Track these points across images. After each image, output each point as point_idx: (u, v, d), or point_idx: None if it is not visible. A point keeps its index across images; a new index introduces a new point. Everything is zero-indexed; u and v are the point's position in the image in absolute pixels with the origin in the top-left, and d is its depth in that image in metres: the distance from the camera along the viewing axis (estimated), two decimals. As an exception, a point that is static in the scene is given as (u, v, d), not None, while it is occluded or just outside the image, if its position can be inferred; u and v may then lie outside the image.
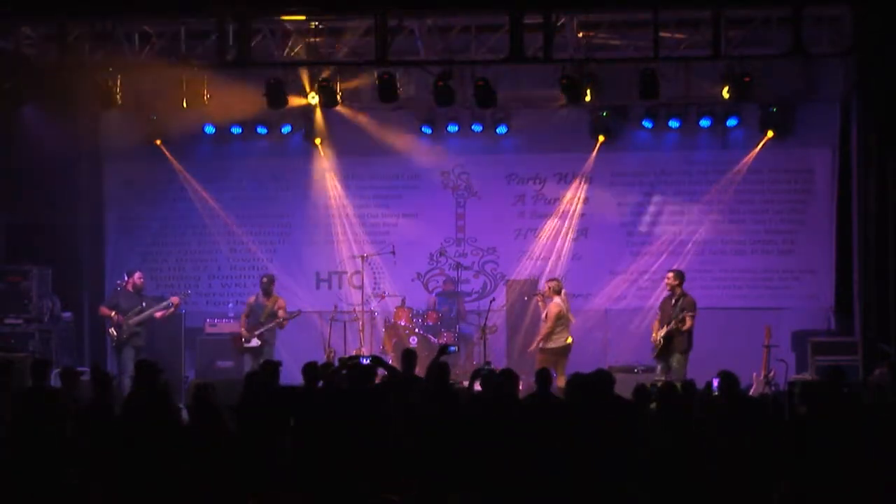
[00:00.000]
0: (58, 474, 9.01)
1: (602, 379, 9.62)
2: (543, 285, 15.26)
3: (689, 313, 13.79)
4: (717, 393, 10.14)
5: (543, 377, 9.89)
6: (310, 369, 10.25)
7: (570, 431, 8.90)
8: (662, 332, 13.83)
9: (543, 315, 14.63)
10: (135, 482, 8.88)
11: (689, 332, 13.79)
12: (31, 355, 14.17)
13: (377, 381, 10.43)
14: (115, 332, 14.91)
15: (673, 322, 13.76)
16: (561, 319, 14.46)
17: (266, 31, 14.60)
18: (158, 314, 15.14)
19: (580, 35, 14.47)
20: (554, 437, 8.90)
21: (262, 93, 14.80)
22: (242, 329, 15.23)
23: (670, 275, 14.22)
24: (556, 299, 14.55)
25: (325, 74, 15.15)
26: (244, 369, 14.27)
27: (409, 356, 10.90)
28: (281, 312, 15.21)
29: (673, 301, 13.99)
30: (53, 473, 8.99)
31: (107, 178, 17.17)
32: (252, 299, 15.43)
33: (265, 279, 15.47)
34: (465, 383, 11.99)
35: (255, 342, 15.07)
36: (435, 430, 9.23)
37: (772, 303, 16.19)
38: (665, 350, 13.83)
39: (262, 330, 15.10)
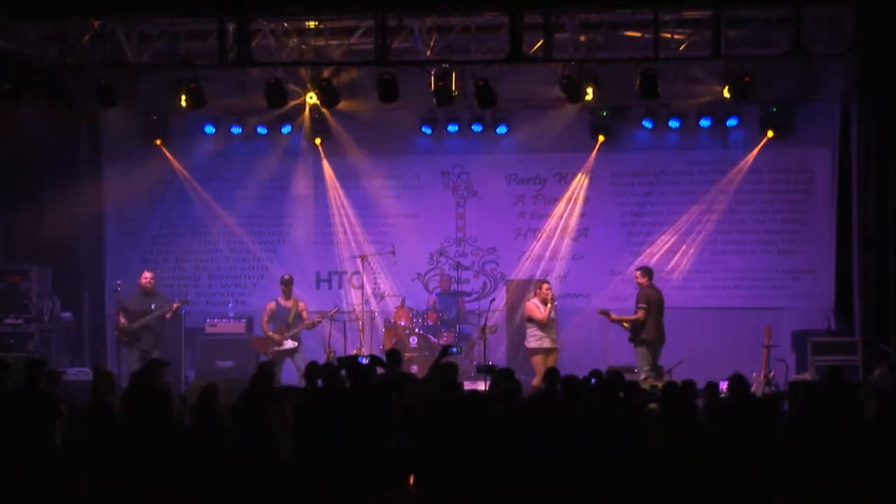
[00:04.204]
0: (46, 476, 9.00)
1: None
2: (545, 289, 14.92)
3: (639, 304, 14.18)
4: (724, 394, 10.13)
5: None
6: (312, 369, 10.26)
7: (576, 431, 8.91)
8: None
9: (553, 313, 14.72)
10: (133, 482, 8.88)
11: (642, 323, 14.07)
12: (30, 355, 14.14)
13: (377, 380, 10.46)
14: (118, 335, 15.07)
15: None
16: None
17: (266, 31, 14.60)
18: (167, 315, 15.14)
19: (580, 35, 14.48)
20: (559, 436, 8.91)
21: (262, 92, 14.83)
22: (270, 333, 15.09)
23: (637, 272, 14.64)
24: None
25: (325, 74, 15.15)
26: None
27: (393, 354, 11.07)
28: (305, 313, 15.22)
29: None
30: (41, 475, 8.99)
31: (107, 179, 17.13)
32: (273, 305, 15.28)
33: (287, 278, 15.40)
34: (466, 383, 11.98)
35: (290, 344, 15.05)
36: (438, 429, 9.22)
37: (772, 303, 16.18)
38: (634, 341, 14.18)
39: (294, 331, 15.12)
